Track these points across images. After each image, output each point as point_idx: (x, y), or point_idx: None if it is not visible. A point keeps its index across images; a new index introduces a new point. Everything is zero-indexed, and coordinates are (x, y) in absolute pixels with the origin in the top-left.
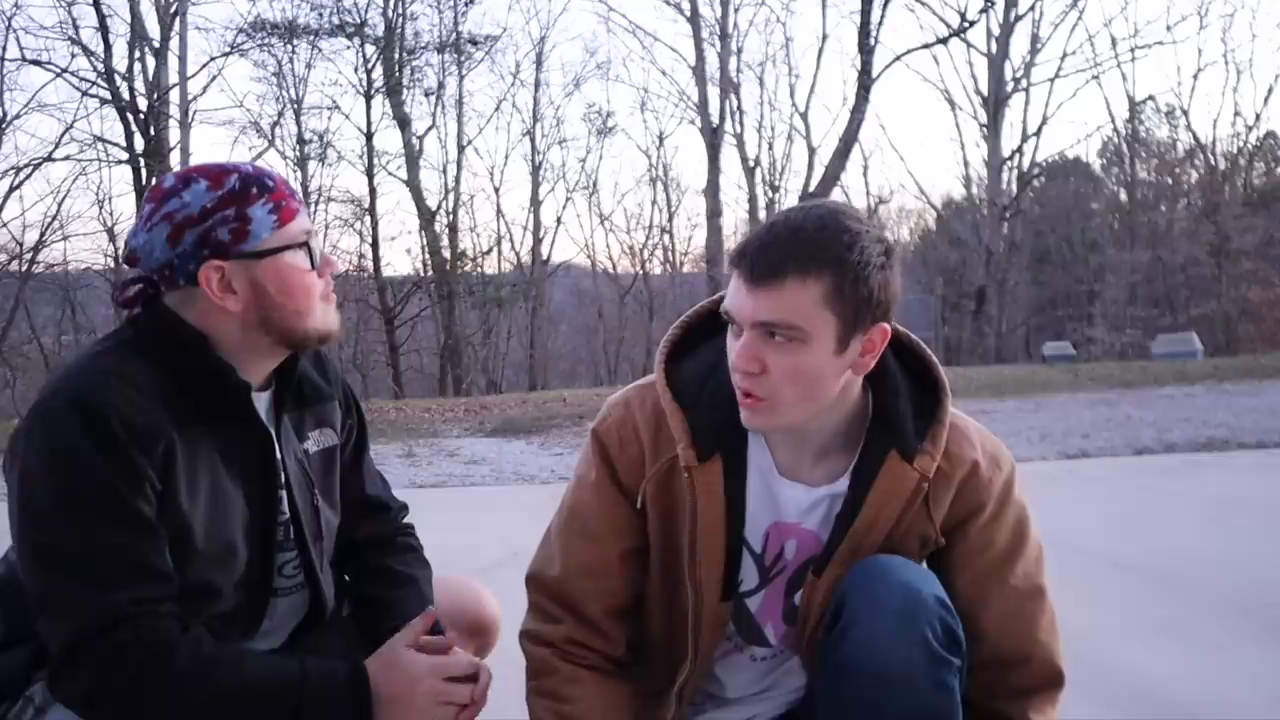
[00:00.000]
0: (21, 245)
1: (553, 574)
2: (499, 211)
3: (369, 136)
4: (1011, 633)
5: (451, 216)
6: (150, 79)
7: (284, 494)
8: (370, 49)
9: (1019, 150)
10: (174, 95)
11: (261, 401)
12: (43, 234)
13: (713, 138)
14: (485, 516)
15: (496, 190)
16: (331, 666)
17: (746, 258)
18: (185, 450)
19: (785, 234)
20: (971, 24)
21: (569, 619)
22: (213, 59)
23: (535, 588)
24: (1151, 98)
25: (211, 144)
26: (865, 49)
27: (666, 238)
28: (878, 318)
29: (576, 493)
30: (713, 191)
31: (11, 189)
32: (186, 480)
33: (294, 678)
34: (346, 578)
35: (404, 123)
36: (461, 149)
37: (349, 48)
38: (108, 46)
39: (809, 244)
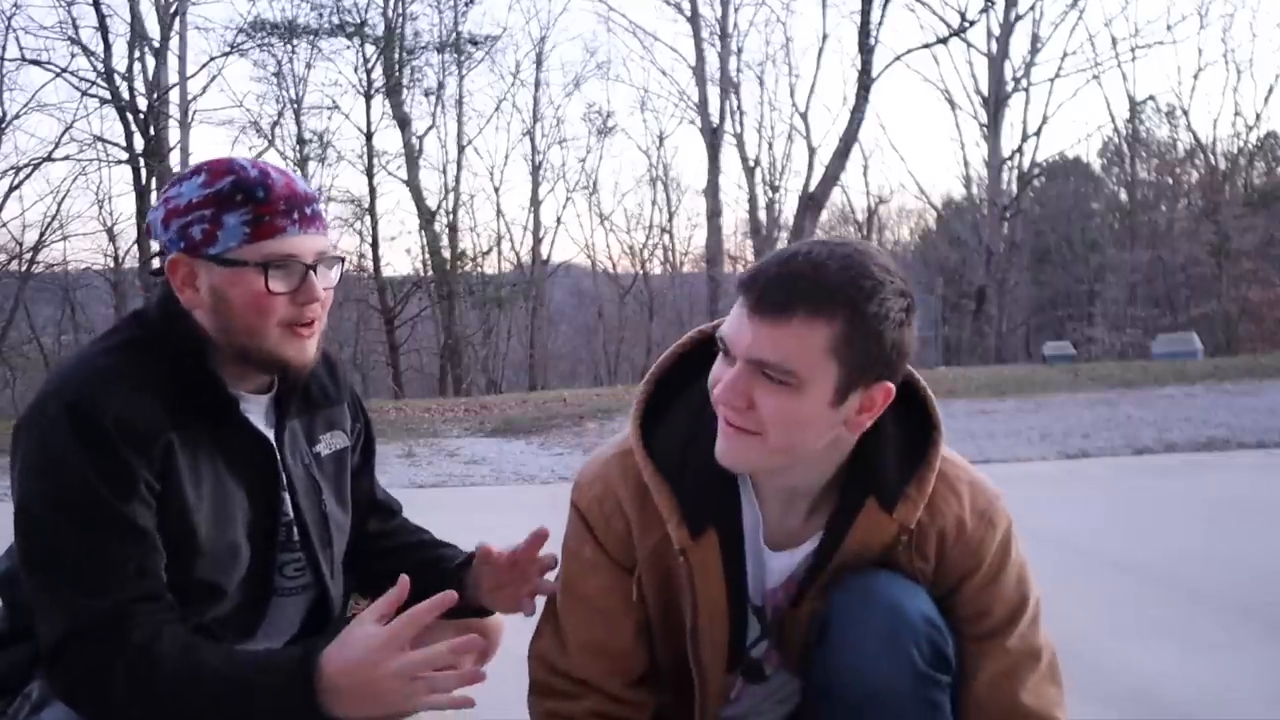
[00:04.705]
0: (21, 245)
1: (563, 662)
2: (499, 211)
3: (369, 136)
4: (999, 694)
5: (451, 216)
6: (150, 79)
7: (287, 496)
8: (370, 49)
9: (1019, 150)
10: (174, 95)
11: (261, 404)
12: (43, 234)
13: (713, 138)
14: (485, 516)
15: (496, 190)
16: (286, 653)
17: (757, 285)
18: (186, 449)
19: (804, 268)
20: (971, 24)
21: (589, 695)
22: (213, 59)
23: (545, 670)
24: (1152, 98)
25: (211, 144)
26: (865, 49)
27: (666, 238)
28: (883, 376)
29: (573, 569)
30: (713, 191)
31: (11, 189)
32: (190, 478)
33: (248, 667)
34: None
35: (404, 123)
36: (461, 149)
37: (349, 48)
38: (107, 46)
39: (827, 284)
